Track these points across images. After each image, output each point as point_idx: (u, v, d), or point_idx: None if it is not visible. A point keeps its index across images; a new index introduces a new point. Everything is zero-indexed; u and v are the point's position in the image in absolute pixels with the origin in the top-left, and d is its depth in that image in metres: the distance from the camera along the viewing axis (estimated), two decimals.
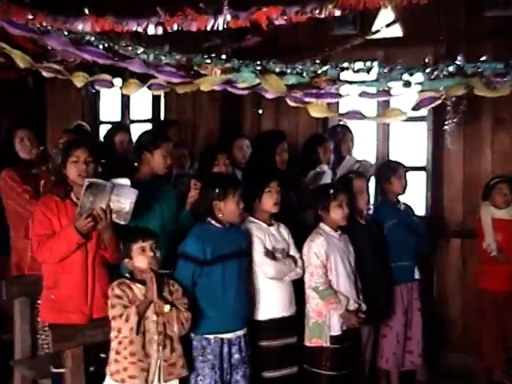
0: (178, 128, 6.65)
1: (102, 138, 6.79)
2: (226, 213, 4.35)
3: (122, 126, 7.09)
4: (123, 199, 4.16)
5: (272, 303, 4.64)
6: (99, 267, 4.29)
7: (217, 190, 4.35)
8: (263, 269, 4.60)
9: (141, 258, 3.98)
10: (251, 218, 4.70)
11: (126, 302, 3.93)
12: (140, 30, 3.19)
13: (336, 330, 4.75)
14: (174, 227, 4.76)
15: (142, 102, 8.16)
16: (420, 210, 6.47)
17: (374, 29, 5.63)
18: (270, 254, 4.63)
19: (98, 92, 8.15)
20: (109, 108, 8.70)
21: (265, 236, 4.65)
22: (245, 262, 4.49)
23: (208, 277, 4.28)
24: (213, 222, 4.37)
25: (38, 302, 4.71)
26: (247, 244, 4.55)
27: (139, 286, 3.99)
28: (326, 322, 4.74)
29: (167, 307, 3.94)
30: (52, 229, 4.20)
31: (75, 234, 4.08)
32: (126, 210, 4.18)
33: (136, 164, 4.80)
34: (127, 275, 4.07)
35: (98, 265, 4.28)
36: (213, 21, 2.87)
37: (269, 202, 4.67)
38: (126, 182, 4.24)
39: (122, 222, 4.20)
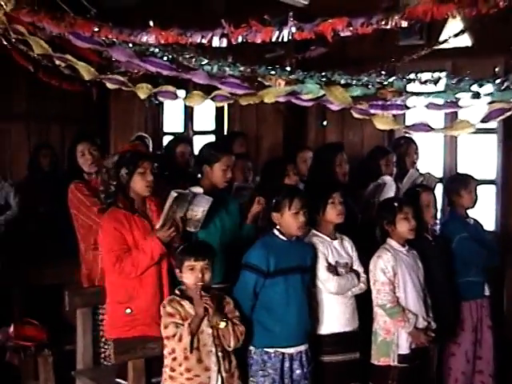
0: (243, 139, 6.69)
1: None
2: (283, 225, 4.36)
3: (183, 138, 7.19)
4: (196, 207, 4.25)
5: (334, 318, 4.62)
6: (171, 277, 4.35)
7: (273, 201, 4.37)
8: (325, 284, 4.58)
9: (188, 275, 4.01)
10: (314, 232, 4.68)
11: (179, 320, 3.96)
12: (204, 41, 3.22)
13: (404, 349, 4.68)
14: (234, 240, 4.77)
15: (205, 114, 8.24)
16: (489, 224, 6.36)
17: (441, 39, 5.58)
18: (333, 269, 4.60)
19: (161, 103, 8.27)
20: (172, 119, 8.81)
21: (327, 250, 4.63)
22: (308, 277, 4.48)
23: (270, 289, 4.28)
24: (277, 234, 4.38)
25: (100, 312, 4.78)
26: (312, 258, 4.53)
27: (188, 303, 4.02)
28: (394, 340, 4.67)
29: (223, 324, 3.97)
30: (126, 243, 4.27)
31: (159, 245, 4.16)
32: (197, 218, 4.28)
33: (199, 176, 4.84)
34: (177, 292, 4.11)
35: (170, 275, 4.35)
36: (277, 32, 2.88)
37: (332, 213, 4.65)
38: (199, 190, 4.31)
39: (193, 230, 4.28)
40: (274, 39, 2.90)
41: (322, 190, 4.78)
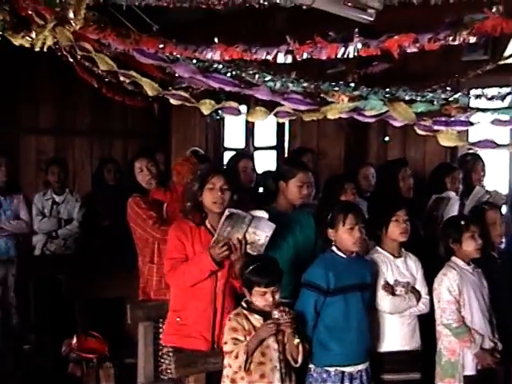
0: (311, 155, 6.69)
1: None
2: (339, 241, 4.33)
3: (245, 153, 7.22)
4: (259, 231, 4.24)
5: (393, 336, 4.57)
6: (228, 296, 4.35)
7: (328, 218, 4.36)
8: (380, 303, 4.54)
9: (259, 299, 4.02)
10: (378, 249, 4.64)
11: (241, 336, 3.97)
12: (269, 58, 3.24)
13: (470, 370, 4.58)
14: (308, 258, 4.74)
15: (266, 129, 8.28)
16: None
17: (507, 53, 5.50)
18: (389, 288, 4.54)
19: (222, 119, 8.34)
20: (233, 135, 8.87)
21: (387, 268, 4.57)
22: (368, 295, 4.45)
23: (330, 307, 4.26)
24: (336, 251, 4.36)
25: (160, 326, 4.83)
26: (372, 276, 4.51)
27: (257, 316, 4.02)
28: (459, 360, 4.57)
29: (297, 341, 3.97)
30: (185, 253, 4.31)
31: (210, 261, 4.16)
32: (260, 243, 4.25)
33: (271, 192, 4.84)
34: (244, 304, 4.11)
35: (227, 293, 4.34)
36: (343, 49, 2.89)
37: (396, 231, 4.60)
38: (263, 214, 4.31)
39: (255, 254, 4.26)
40: (339, 55, 2.91)
41: (385, 206, 4.75)
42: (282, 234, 4.64)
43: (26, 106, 8.89)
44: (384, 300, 4.52)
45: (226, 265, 4.29)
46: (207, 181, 4.35)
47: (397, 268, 4.61)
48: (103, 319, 5.69)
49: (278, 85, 4.04)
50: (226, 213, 4.15)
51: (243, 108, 4.79)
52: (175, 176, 5.43)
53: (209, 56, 3.59)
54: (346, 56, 2.93)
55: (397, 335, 4.58)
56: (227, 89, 4.47)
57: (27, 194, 7.23)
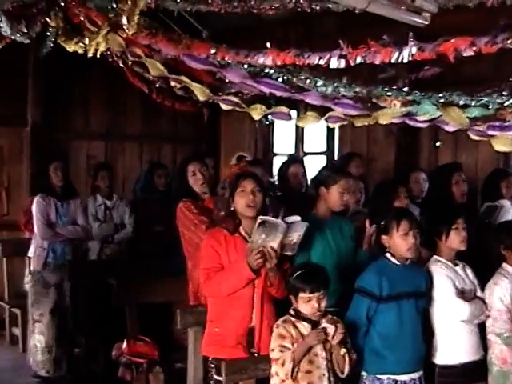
0: (360, 161, 6.65)
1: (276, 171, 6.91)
2: (393, 247, 4.27)
3: (296, 158, 7.19)
4: (292, 232, 4.21)
5: (459, 347, 4.46)
6: (267, 303, 4.32)
7: (381, 224, 4.32)
8: (455, 311, 4.43)
9: (304, 306, 3.99)
10: (437, 257, 4.54)
11: (288, 343, 3.94)
12: (322, 63, 3.23)
13: None
14: (349, 265, 4.72)
15: (315, 134, 8.25)
16: None
17: None
18: (462, 295, 4.45)
19: (271, 124, 8.33)
20: (282, 140, 8.86)
21: (452, 277, 4.45)
22: (423, 303, 4.38)
23: (384, 315, 4.21)
24: (390, 257, 4.31)
25: None
26: (428, 284, 4.43)
27: (305, 324, 3.99)
28: (511, 370, 4.49)
29: (343, 351, 3.94)
30: (220, 262, 4.28)
31: (247, 270, 4.13)
32: (293, 242, 4.22)
33: (313, 198, 4.82)
34: (292, 312, 4.08)
35: (265, 301, 4.31)
36: (397, 53, 2.86)
37: (456, 239, 4.49)
38: (295, 218, 4.27)
39: (289, 253, 4.25)
40: (393, 60, 2.88)
41: (444, 213, 4.66)
42: (325, 242, 4.62)
43: (78, 111, 9.00)
44: (461, 307, 4.40)
45: (263, 272, 4.24)
46: (238, 185, 4.34)
47: (459, 276, 4.52)
48: (153, 324, 5.73)
49: (330, 90, 4.02)
50: (258, 220, 4.11)
51: (293, 113, 4.77)
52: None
53: (261, 61, 3.59)
54: (400, 60, 2.89)
55: (464, 345, 4.47)
56: (278, 94, 4.47)
57: None
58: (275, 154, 8.90)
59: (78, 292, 6.65)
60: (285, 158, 7.07)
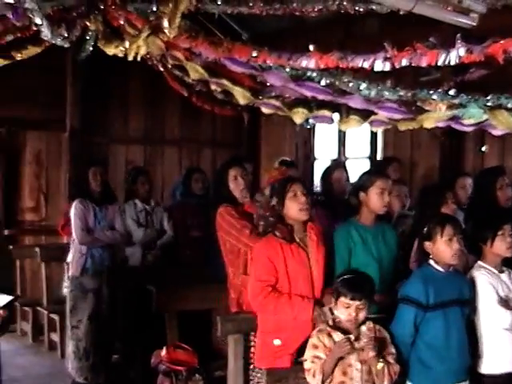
0: (398, 165, 6.61)
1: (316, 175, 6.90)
2: (436, 254, 4.22)
3: (339, 163, 7.15)
4: None
5: (504, 356, 4.37)
6: None
7: (424, 230, 4.28)
8: (498, 319, 4.36)
9: (342, 310, 3.97)
10: (481, 263, 4.49)
11: (321, 353, 3.93)
12: (366, 65, 3.21)
13: None
14: (391, 271, 4.69)
15: (358, 139, 8.22)
16: None
17: None
18: (504, 303, 4.40)
19: (312, 128, 8.31)
20: (323, 144, 8.84)
21: (496, 284, 4.41)
22: (467, 311, 4.33)
23: (430, 324, 4.15)
24: (434, 264, 4.26)
25: (250, 339, 4.83)
26: (471, 291, 4.38)
27: (339, 334, 3.97)
28: None
29: (380, 365, 3.90)
30: (275, 275, 4.29)
31: (309, 314, 4.19)
32: None
33: (355, 205, 4.79)
34: (330, 321, 4.07)
35: None
36: (444, 55, 2.83)
37: (502, 245, 4.41)
38: None
39: None
40: (440, 63, 2.85)
41: (490, 219, 4.59)
42: (367, 249, 4.59)
43: (116, 116, 9.10)
44: (503, 315, 4.35)
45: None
46: (287, 190, 4.34)
47: (504, 283, 4.46)
48: (193, 331, 5.74)
49: (373, 93, 4.01)
50: None
51: (335, 116, 4.75)
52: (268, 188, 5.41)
53: (303, 64, 3.59)
54: (447, 63, 2.87)
55: (507, 355, 4.39)
56: (320, 97, 4.46)
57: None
58: (316, 159, 8.88)
59: (117, 298, 6.68)
60: (326, 163, 7.05)
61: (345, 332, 3.97)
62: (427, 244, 4.25)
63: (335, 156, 8.48)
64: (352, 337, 3.91)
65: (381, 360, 3.92)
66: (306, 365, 3.96)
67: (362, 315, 3.95)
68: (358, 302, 3.93)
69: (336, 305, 4.01)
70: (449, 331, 4.16)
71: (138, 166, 8.24)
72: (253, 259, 4.44)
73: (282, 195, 4.35)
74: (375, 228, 4.72)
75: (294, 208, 4.31)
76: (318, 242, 4.40)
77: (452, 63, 2.84)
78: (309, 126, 7.40)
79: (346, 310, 3.95)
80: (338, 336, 3.95)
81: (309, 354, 3.97)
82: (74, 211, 6.57)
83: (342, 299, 3.96)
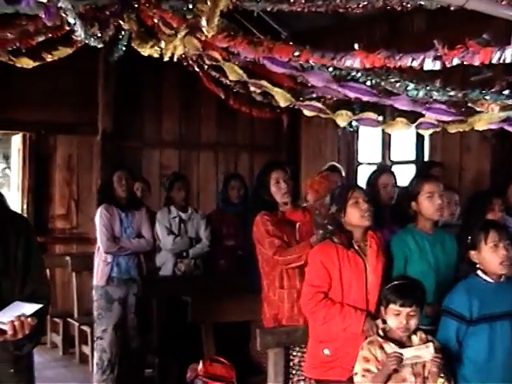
0: (440, 170, 6.53)
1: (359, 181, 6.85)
2: (483, 263, 4.18)
3: (386, 168, 7.09)
4: None
5: None
6: None
7: (469, 239, 4.24)
8: None
9: (392, 319, 3.96)
10: None
11: (373, 366, 3.91)
12: (415, 64, 3.19)
13: None
14: (449, 281, 4.64)
15: (404, 142, 8.17)
16: None
17: None
18: None
19: (356, 131, 8.28)
20: (367, 148, 8.80)
21: None
22: None
23: (474, 338, 4.11)
24: (481, 275, 4.21)
25: (291, 353, 4.82)
26: None
27: (392, 345, 3.94)
28: None
29: (441, 381, 3.88)
30: (328, 282, 4.32)
31: (360, 324, 4.19)
32: None
33: (410, 214, 4.75)
34: (381, 332, 4.05)
35: None
36: (499, 53, 2.80)
37: None
38: None
39: None
40: (494, 61, 2.82)
41: None
42: (424, 257, 4.55)
43: (149, 119, 9.16)
44: None
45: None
46: (349, 197, 4.37)
47: None
48: (230, 344, 5.75)
49: (421, 94, 3.98)
50: None
51: (380, 119, 4.74)
52: (311, 194, 5.40)
53: (348, 63, 3.57)
54: (501, 61, 2.83)
55: None
56: (364, 98, 4.45)
57: (151, 209, 7.42)
58: (360, 163, 8.84)
59: (148, 309, 6.71)
60: (370, 168, 7.00)
61: (397, 342, 3.95)
62: (472, 253, 4.21)
63: (379, 160, 8.43)
64: (403, 354, 3.88)
65: (442, 375, 3.90)
66: (357, 378, 3.96)
67: (413, 323, 3.93)
68: (408, 309, 3.92)
69: (386, 313, 4.00)
70: (494, 346, 4.10)
71: (175, 172, 8.20)
72: (308, 264, 4.46)
73: (343, 203, 4.38)
74: (434, 235, 4.68)
75: (356, 215, 4.36)
76: (377, 252, 4.40)
77: (507, 61, 2.81)
78: (352, 129, 7.36)
79: (396, 317, 3.95)
80: (389, 347, 3.94)
81: (359, 367, 3.97)
82: (98, 218, 6.64)
83: (392, 306, 3.96)
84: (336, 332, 4.32)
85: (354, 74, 4.12)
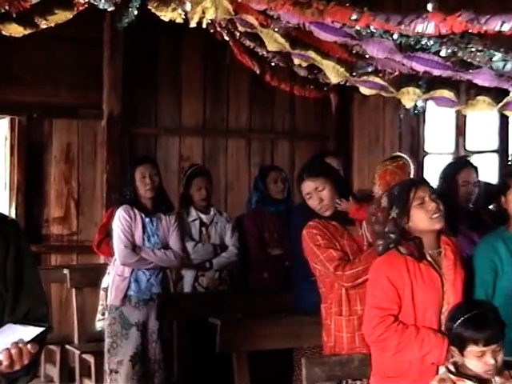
0: None
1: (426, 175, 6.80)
2: None
3: (467, 161, 7.04)
4: None
5: None
6: None
7: None
8: None
9: (475, 362, 3.87)
10: None
11: None
12: (506, 29, 3.17)
13: None
14: None
15: (483, 127, 8.13)
16: None
17: None
18: None
19: (421, 114, 8.24)
20: (435, 134, 8.76)
21: None
22: None
23: None
24: None
25: None
26: None
27: (469, 382, 3.91)
28: None
29: None
30: (398, 302, 4.26)
31: (443, 351, 4.15)
32: None
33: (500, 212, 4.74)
34: (451, 367, 3.98)
35: None
36: None
37: None
38: None
39: None
40: None
41: None
42: (508, 270, 4.55)
43: (166, 100, 9.15)
44: None
45: None
46: (412, 196, 4.30)
47: None
48: (268, 376, 5.76)
49: (510, 66, 3.95)
50: None
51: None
52: (381, 185, 5.34)
53: (419, 29, 3.55)
54: None
55: None
56: (436, 73, 4.44)
57: None
58: (426, 153, 8.81)
59: (169, 334, 6.72)
60: (440, 159, 6.95)
61: (474, 380, 3.90)
62: None
63: (451, 150, 8.39)
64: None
65: None
66: None
67: (500, 358, 3.87)
68: (494, 346, 3.84)
69: (463, 355, 3.91)
70: None
71: (193, 165, 8.02)
72: (370, 280, 4.43)
73: (406, 204, 4.33)
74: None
75: (423, 217, 4.26)
76: (455, 262, 4.35)
77: None
78: (417, 111, 7.33)
79: (479, 359, 3.85)
80: None
81: None
82: (117, 222, 6.59)
83: (473, 348, 3.85)
84: (410, 363, 4.29)
85: (424, 41, 4.10)
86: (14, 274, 3.22)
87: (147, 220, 6.65)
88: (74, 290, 8.17)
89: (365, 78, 4.74)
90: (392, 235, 4.34)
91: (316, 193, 5.07)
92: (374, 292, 4.38)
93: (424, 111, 8.10)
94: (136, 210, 6.63)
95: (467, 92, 5.13)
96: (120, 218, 6.59)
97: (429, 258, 4.31)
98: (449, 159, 7.74)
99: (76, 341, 8.06)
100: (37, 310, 3.29)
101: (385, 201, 4.41)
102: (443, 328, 4.24)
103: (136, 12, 5.67)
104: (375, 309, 4.30)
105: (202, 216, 7.19)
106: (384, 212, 4.36)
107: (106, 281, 7.00)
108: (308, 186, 5.11)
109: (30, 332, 3.05)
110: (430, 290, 4.24)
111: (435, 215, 4.27)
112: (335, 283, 4.90)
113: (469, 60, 4.18)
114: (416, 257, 4.29)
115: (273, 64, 6.11)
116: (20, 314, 3.21)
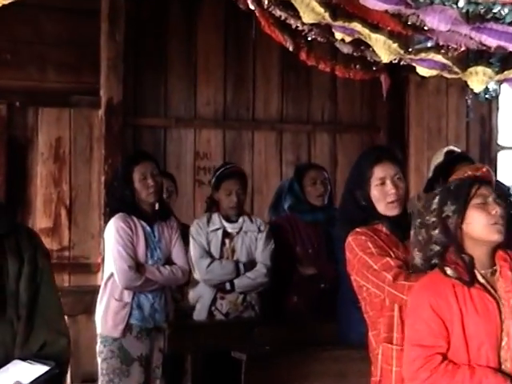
0: None
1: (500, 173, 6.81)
2: None
3: None
4: None
5: None
6: None
7: None
8: None
9: None
10: None
11: None
12: None
13: None
14: None
15: None
16: None
17: None
18: None
19: (495, 99, 8.25)
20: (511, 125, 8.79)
21: None
22: None
23: None
24: None
25: None
26: None
27: None
28: None
29: None
30: (446, 337, 4.21)
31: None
32: None
33: None
34: None
35: None
36: None
37: None
38: None
39: None
40: None
41: None
42: None
43: (177, 84, 9.17)
44: None
45: None
46: (472, 193, 4.19)
47: None
48: None
49: None
50: None
51: None
52: None
53: None
54: None
55: None
56: (511, 48, 4.44)
57: (181, 220, 7.41)
58: (501, 147, 8.82)
59: (181, 370, 6.77)
60: None
61: None
62: None
63: None
64: None
65: None
66: None
67: None
68: None
69: None
70: None
71: (227, 164, 7.79)
72: (409, 307, 4.39)
73: (465, 200, 4.22)
74: None
75: (482, 221, 4.19)
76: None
77: None
78: (488, 96, 7.34)
79: None
80: None
81: None
82: (114, 236, 6.57)
83: None
84: None
85: (497, 9, 4.10)
86: (27, 298, 3.26)
87: (148, 230, 6.64)
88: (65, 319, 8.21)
89: (423, 55, 4.73)
90: (436, 246, 4.26)
91: (393, 180, 4.98)
92: (414, 325, 4.24)
93: (497, 96, 8.12)
94: (135, 219, 6.60)
95: None
96: (118, 231, 6.55)
97: (481, 280, 4.20)
98: None
99: (69, 380, 8.12)
100: (54, 343, 3.32)
101: (436, 199, 4.32)
102: (503, 366, 4.18)
103: None
104: (418, 347, 4.17)
105: (227, 225, 7.12)
106: (434, 212, 4.27)
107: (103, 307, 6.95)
108: (386, 169, 4.98)
109: (31, 372, 3.06)
110: (485, 319, 4.13)
111: (497, 224, 4.15)
112: (386, 302, 4.86)
113: None
114: (465, 280, 4.16)
115: (309, 39, 6.11)
116: (34, 347, 3.25)
